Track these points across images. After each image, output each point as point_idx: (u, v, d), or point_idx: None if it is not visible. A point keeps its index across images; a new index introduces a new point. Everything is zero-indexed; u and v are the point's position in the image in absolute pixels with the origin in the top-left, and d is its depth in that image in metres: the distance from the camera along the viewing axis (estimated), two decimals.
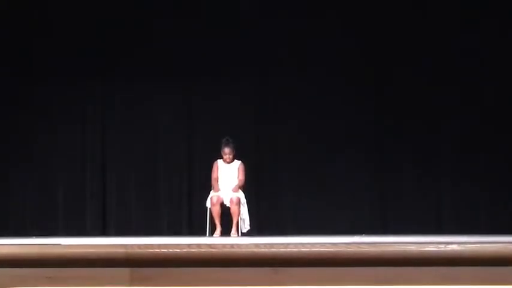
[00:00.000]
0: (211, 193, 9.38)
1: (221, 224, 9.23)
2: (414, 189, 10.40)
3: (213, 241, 8.24)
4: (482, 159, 10.29)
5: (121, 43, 10.44)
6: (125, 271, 3.69)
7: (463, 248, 3.77)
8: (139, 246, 3.73)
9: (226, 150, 9.45)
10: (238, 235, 9.16)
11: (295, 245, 3.79)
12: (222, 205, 9.29)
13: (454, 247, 3.76)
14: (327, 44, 10.37)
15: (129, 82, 10.52)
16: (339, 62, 10.36)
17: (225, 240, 8.38)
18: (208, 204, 9.36)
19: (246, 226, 9.32)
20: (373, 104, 10.47)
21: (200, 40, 10.43)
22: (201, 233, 9.49)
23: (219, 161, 9.52)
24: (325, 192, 10.32)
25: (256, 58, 10.44)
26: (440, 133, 10.42)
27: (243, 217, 9.32)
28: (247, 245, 3.78)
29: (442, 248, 3.77)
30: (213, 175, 9.48)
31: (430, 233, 9.51)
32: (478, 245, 3.78)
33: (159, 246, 3.75)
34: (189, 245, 3.76)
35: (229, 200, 9.29)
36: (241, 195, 9.36)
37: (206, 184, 9.61)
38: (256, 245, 3.77)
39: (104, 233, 10.29)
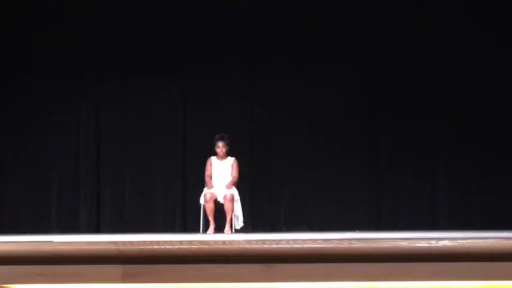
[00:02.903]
0: (205, 190, 9.38)
1: (215, 221, 9.22)
2: (409, 187, 10.40)
3: (205, 238, 8.24)
4: (477, 157, 10.30)
5: (116, 41, 10.41)
6: (117, 268, 3.69)
7: (454, 244, 3.77)
8: (131, 243, 3.73)
9: (220, 143, 9.46)
10: (231, 232, 9.15)
11: (287, 241, 3.79)
12: (216, 202, 9.29)
13: (446, 243, 3.77)
14: (324, 43, 10.37)
15: (124, 79, 10.51)
16: (336, 60, 10.36)
17: (218, 236, 8.39)
18: (201, 201, 9.35)
19: (239, 223, 9.32)
20: (369, 102, 10.46)
21: (196, 39, 10.42)
22: (195, 230, 9.48)
23: (213, 158, 9.52)
24: (319, 189, 10.31)
25: (251, 56, 10.44)
26: (435, 131, 10.42)
27: (237, 214, 9.32)
28: (239, 242, 3.79)
29: (433, 244, 3.77)
30: (207, 172, 9.48)
31: (425, 229, 9.55)
32: (470, 241, 3.79)
33: (151, 243, 3.75)
34: (181, 242, 3.76)
35: (222, 196, 9.29)
36: (234, 192, 9.36)
37: (200, 181, 9.61)
38: (248, 242, 3.78)
39: (97, 230, 10.27)
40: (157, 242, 3.76)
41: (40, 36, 10.36)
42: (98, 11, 10.37)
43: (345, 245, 3.80)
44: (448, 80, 10.35)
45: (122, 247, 3.69)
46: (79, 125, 10.54)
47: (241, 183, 9.59)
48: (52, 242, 4.02)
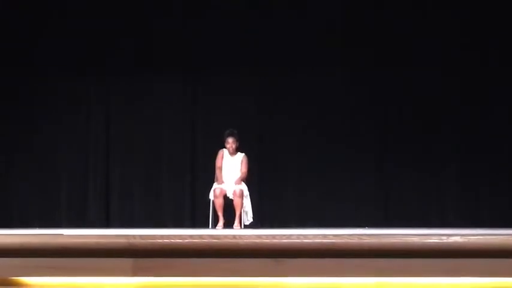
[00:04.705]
0: (215, 185, 9.39)
1: (224, 217, 9.23)
2: (416, 185, 10.39)
3: (216, 232, 8.25)
4: (486, 154, 10.28)
5: (125, 37, 10.43)
6: (128, 261, 3.69)
7: (465, 240, 3.75)
8: (141, 236, 3.73)
9: (230, 139, 9.47)
10: (241, 227, 9.16)
11: (298, 236, 3.78)
12: (225, 197, 9.30)
13: (457, 239, 3.75)
14: (330, 41, 10.37)
15: (133, 76, 10.52)
16: (342, 59, 10.37)
17: (228, 231, 8.39)
18: (211, 196, 9.36)
19: (248, 218, 9.33)
20: (375, 98, 10.47)
21: (204, 35, 10.43)
22: (204, 225, 9.49)
23: (225, 150, 9.51)
24: (328, 185, 10.31)
25: (259, 53, 10.44)
26: (444, 129, 10.41)
27: (246, 209, 9.33)
28: (249, 236, 3.78)
29: (444, 239, 3.76)
30: (217, 163, 9.46)
31: (433, 226, 9.53)
32: (481, 237, 3.77)
33: (162, 236, 3.75)
34: (191, 236, 3.76)
35: (232, 192, 9.29)
36: (244, 187, 9.36)
37: (209, 176, 9.61)
38: (259, 236, 3.77)
39: (107, 224, 10.29)
40: (168, 236, 3.76)
41: (47, 31, 10.38)
42: (107, 6, 10.39)
43: (356, 240, 3.78)
44: (449, 79, 10.36)
45: (132, 240, 3.69)
46: (88, 120, 10.57)
47: (250, 179, 9.60)
48: (62, 235, 4.02)
